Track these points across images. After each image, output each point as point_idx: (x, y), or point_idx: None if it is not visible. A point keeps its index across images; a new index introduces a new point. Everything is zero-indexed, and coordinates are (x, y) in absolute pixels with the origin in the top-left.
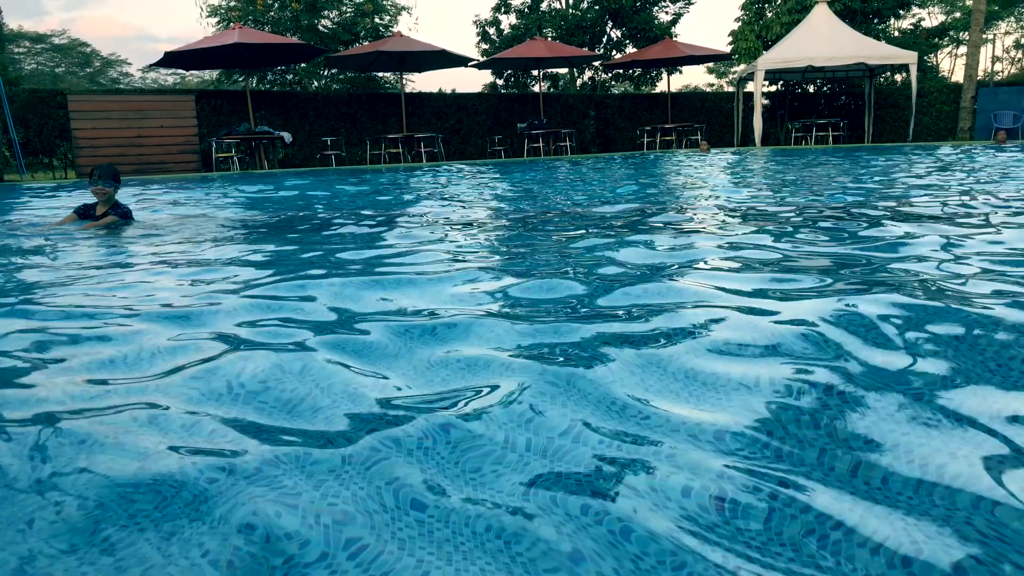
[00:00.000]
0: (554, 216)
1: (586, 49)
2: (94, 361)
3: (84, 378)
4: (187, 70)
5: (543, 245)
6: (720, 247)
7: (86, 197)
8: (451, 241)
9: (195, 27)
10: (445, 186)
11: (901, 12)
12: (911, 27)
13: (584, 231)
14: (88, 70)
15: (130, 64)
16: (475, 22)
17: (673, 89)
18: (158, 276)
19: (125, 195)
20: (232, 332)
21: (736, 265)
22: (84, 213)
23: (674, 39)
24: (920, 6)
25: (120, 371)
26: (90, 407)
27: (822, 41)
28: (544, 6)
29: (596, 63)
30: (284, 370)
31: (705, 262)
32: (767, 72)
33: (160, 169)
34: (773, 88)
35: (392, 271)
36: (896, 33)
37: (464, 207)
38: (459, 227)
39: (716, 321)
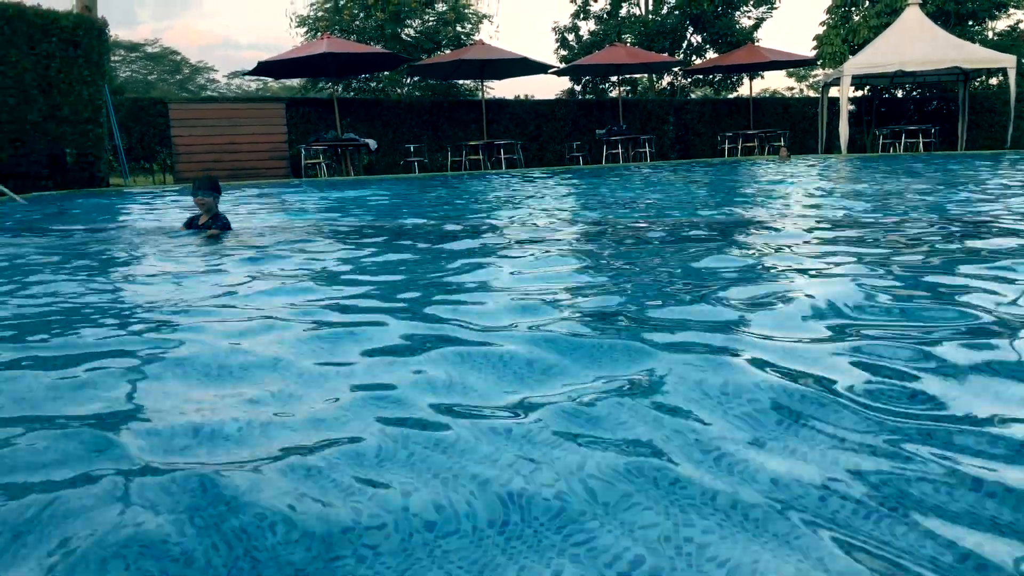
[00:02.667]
0: (636, 225)
1: (666, 55)
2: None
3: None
4: (277, 78)
5: (626, 256)
6: (816, 263)
7: (185, 201)
8: (536, 249)
9: (276, 35)
10: (526, 193)
11: (997, 13)
12: (1008, 29)
13: (665, 241)
14: (178, 77)
15: (216, 71)
16: (554, 28)
17: (754, 94)
18: (254, 284)
19: (225, 199)
20: (324, 333)
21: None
22: (190, 224)
23: (756, 44)
24: (1017, 7)
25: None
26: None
27: (913, 44)
28: (623, 12)
29: (676, 68)
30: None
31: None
32: (853, 77)
33: (253, 175)
34: (859, 93)
35: (473, 285)
36: (992, 35)
37: (546, 215)
38: (542, 235)
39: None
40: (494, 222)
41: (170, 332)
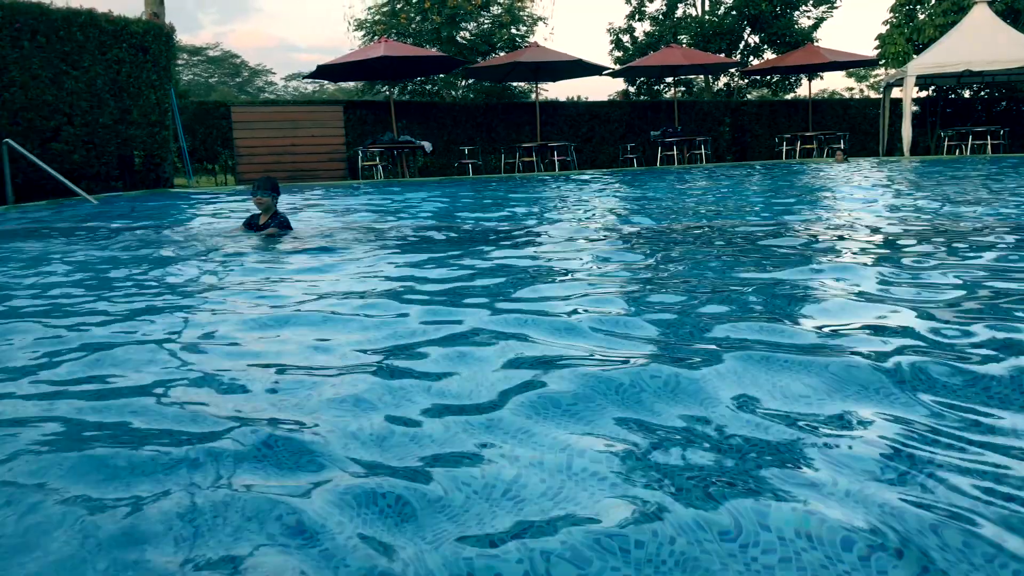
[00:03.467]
0: (687, 229)
1: (723, 56)
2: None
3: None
4: (336, 82)
5: (680, 263)
6: (876, 270)
7: (246, 203)
8: (590, 252)
9: (331, 38)
10: (579, 195)
11: None
12: None
13: (718, 248)
14: (238, 80)
15: (274, 73)
16: (609, 30)
17: (813, 95)
18: (311, 282)
19: (282, 200)
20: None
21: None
22: (249, 224)
23: (816, 44)
24: None
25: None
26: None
27: (982, 43)
28: (679, 13)
29: (732, 69)
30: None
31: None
32: (918, 77)
33: (311, 176)
34: (923, 94)
35: (530, 290)
36: None
37: (599, 218)
38: (595, 239)
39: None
40: (550, 224)
41: (223, 326)
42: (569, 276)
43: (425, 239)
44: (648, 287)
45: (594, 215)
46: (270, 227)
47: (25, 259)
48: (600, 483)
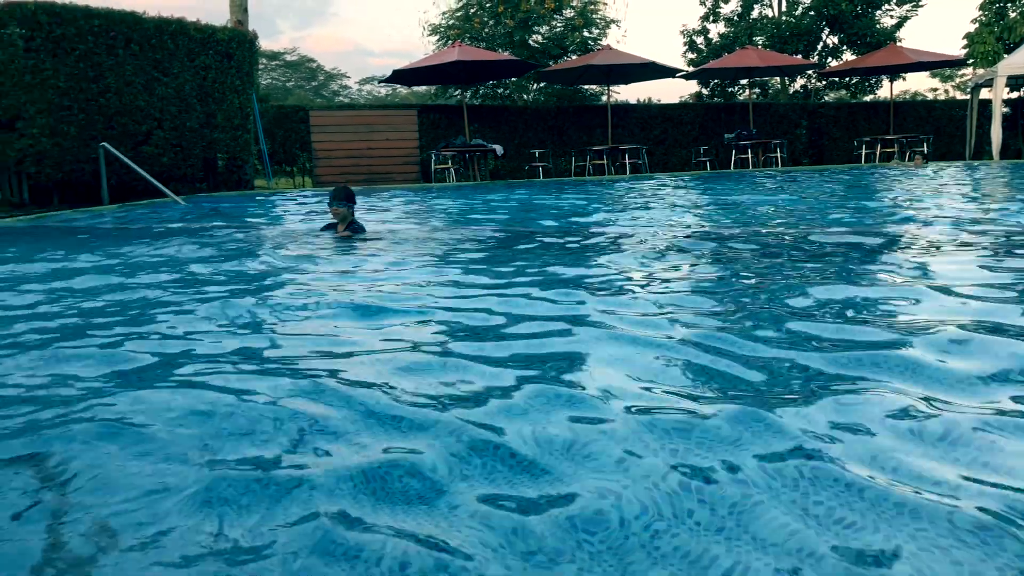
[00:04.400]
0: (760, 234)
1: (800, 57)
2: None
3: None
4: (410, 86)
5: (759, 273)
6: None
7: (322, 204)
8: (659, 258)
9: (405, 42)
10: (652, 198)
11: None
12: None
13: (790, 257)
14: (313, 84)
15: (348, 77)
16: (682, 32)
17: (894, 96)
18: (382, 281)
19: (359, 203)
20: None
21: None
22: (327, 228)
23: (899, 44)
24: None
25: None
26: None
27: None
28: (755, 14)
29: (810, 71)
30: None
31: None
32: (1009, 77)
33: (385, 179)
34: (1015, 95)
35: (603, 296)
36: None
37: (670, 222)
38: (668, 244)
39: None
40: (622, 228)
41: (300, 322)
42: (641, 283)
43: (494, 243)
44: (725, 299)
45: (668, 219)
46: (347, 232)
47: (126, 259)
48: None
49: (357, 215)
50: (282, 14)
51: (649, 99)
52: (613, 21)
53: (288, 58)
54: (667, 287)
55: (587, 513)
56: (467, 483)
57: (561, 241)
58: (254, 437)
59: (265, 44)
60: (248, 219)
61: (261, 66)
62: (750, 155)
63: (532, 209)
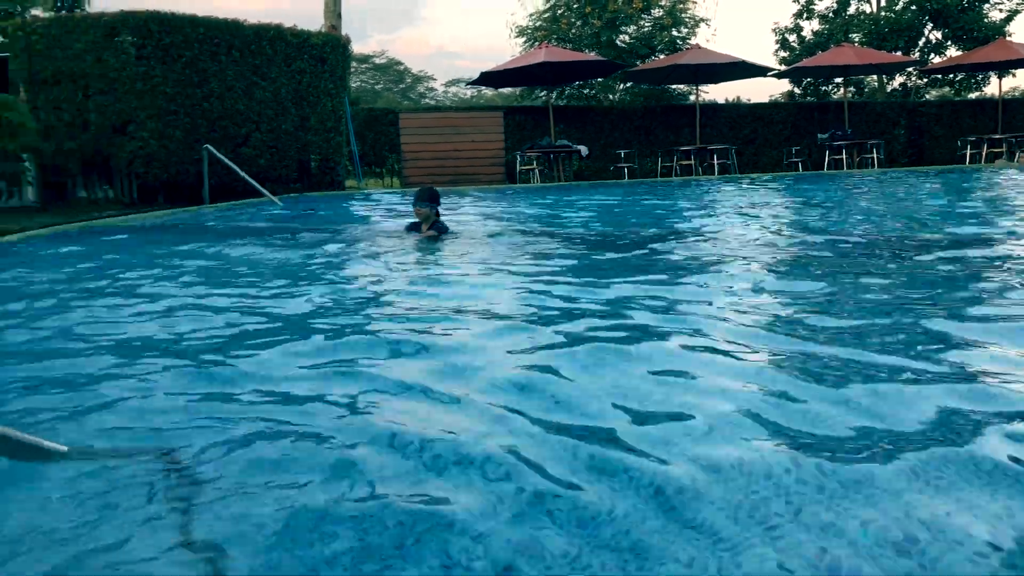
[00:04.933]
0: (855, 240)
1: (900, 54)
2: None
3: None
4: (497, 88)
5: (858, 279)
6: None
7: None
8: (753, 266)
9: (491, 45)
10: (741, 201)
11: None
12: None
13: (897, 264)
14: (401, 86)
15: (435, 80)
16: (774, 29)
17: (1003, 93)
18: (464, 282)
19: (445, 203)
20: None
21: None
22: (411, 227)
23: (1008, 38)
24: None
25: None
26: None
27: None
28: (852, 9)
29: (910, 68)
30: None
31: None
32: None
33: (471, 180)
34: None
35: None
36: None
37: (762, 226)
38: (759, 250)
39: None
40: (708, 232)
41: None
42: (732, 292)
43: (576, 245)
44: (818, 311)
45: (759, 223)
46: (431, 231)
47: (228, 254)
48: None
49: (442, 216)
50: (372, 18)
51: (738, 98)
52: (703, 20)
53: (377, 61)
54: (756, 297)
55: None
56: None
57: (654, 245)
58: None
59: (355, 47)
60: (338, 219)
61: (351, 69)
62: (844, 156)
63: (619, 211)
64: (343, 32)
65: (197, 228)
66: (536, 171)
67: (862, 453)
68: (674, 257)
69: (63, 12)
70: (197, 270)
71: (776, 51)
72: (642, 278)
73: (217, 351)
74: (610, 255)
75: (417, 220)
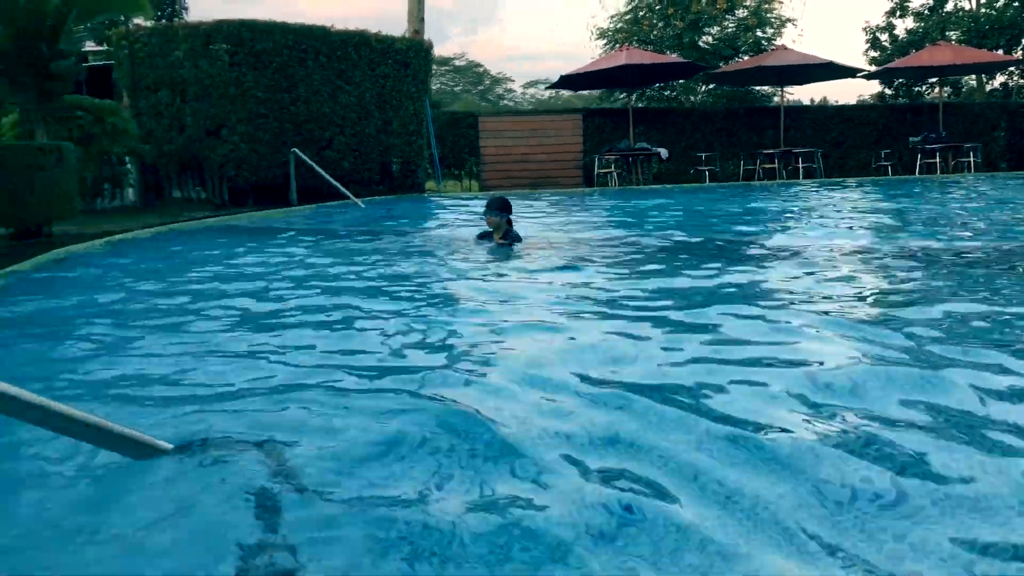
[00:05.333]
0: (954, 253)
1: (1001, 52)
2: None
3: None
4: (576, 90)
5: (944, 290)
6: None
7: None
8: (842, 279)
9: (569, 44)
10: (829, 207)
11: None
12: None
13: (998, 280)
14: (479, 88)
15: (513, 81)
16: (865, 28)
17: None
18: (533, 292)
19: (522, 207)
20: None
21: None
22: (483, 236)
23: None
24: None
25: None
26: None
27: None
28: (949, 7)
29: (1012, 67)
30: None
31: None
32: None
33: (549, 183)
34: None
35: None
36: None
37: (850, 234)
38: (848, 261)
39: None
40: (791, 242)
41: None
42: (815, 310)
43: (651, 253)
44: (912, 326)
45: (848, 231)
46: (502, 241)
47: (320, 255)
48: None
49: (518, 221)
50: (452, 19)
51: (824, 99)
52: (789, 20)
53: (457, 63)
54: (845, 314)
55: None
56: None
57: (738, 254)
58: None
59: (435, 50)
60: (416, 223)
61: (432, 72)
62: (938, 159)
63: (699, 216)
64: (426, 36)
65: (280, 231)
66: (614, 174)
67: None
68: (757, 272)
69: (162, 21)
70: (270, 274)
71: (867, 50)
72: (726, 292)
73: (311, 349)
74: (688, 266)
75: (487, 231)
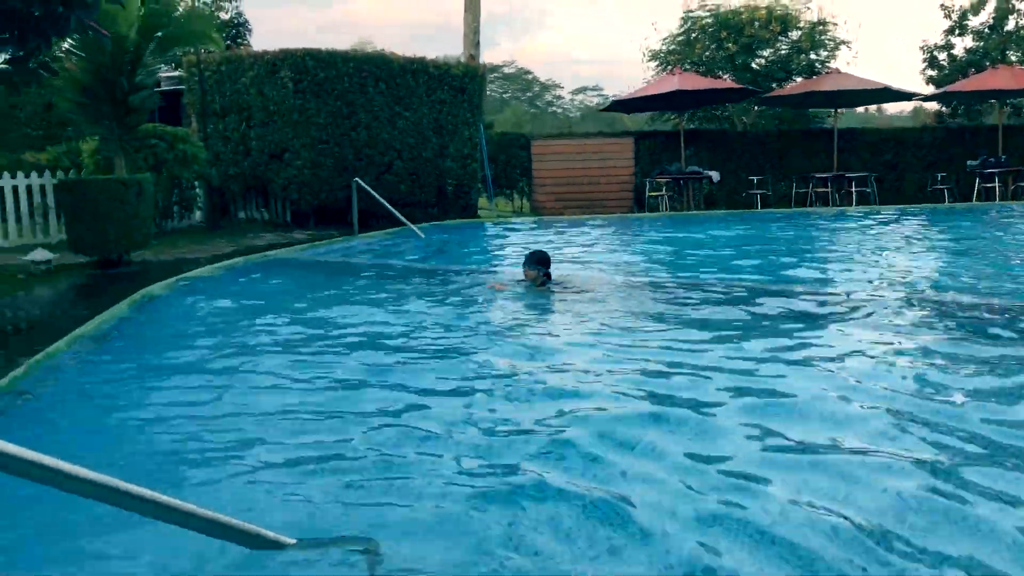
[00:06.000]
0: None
1: None
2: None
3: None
4: (628, 113)
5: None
6: None
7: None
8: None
9: (617, 51)
10: (883, 239)
11: None
12: None
13: None
14: (528, 95)
15: (562, 87)
16: (922, 47)
17: None
18: (565, 336)
19: (569, 233)
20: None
21: None
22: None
23: None
24: None
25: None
26: None
27: None
28: (1010, 25)
29: None
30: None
31: None
32: None
33: (599, 207)
34: None
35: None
36: None
37: (905, 276)
38: (897, 307)
39: None
40: (842, 280)
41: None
42: (865, 360)
43: (697, 298)
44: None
45: (901, 272)
46: (540, 282)
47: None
48: None
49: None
50: (500, 26)
51: (880, 109)
52: (843, 42)
53: (506, 71)
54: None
55: None
56: None
57: (786, 298)
58: None
59: (484, 56)
60: (468, 258)
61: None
62: (997, 184)
63: (749, 248)
64: (481, 61)
65: (344, 267)
66: (665, 197)
67: None
68: (820, 315)
69: (227, 41)
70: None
71: (924, 69)
72: (769, 342)
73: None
74: (735, 311)
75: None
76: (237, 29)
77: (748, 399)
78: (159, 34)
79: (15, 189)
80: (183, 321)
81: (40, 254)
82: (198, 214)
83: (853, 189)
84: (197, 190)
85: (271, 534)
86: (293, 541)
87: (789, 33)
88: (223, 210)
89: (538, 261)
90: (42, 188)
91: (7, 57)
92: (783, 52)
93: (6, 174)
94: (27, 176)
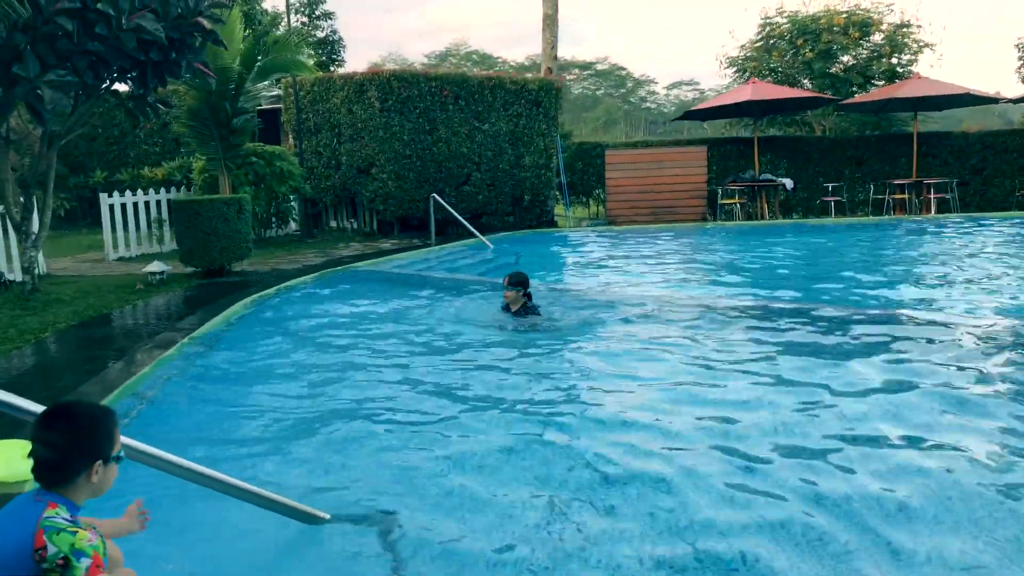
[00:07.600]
0: None
1: None
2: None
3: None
4: (703, 120)
5: None
6: None
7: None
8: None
9: (701, 43)
10: (965, 254)
11: None
12: None
13: None
14: (622, 91)
15: (656, 83)
16: (1017, 45)
17: None
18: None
19: (634, 241)
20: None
21: None
22: (506, 308)
23: None
24: None
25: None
26: None
27: None
28: None
29: None
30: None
31: None
32: None
33: (671, 215)
34: None
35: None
36: None
37: (989, 297)
38: (982, 335)
39: None
40: (920, 302)
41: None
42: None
43: (755, 323)
44: None
45: (984, 292)
46: (520, 313)
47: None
48: None
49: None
50: (590, 18)
51: (963, 122)
52: (927, 45)
53: (599, 67)
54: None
55: None
56: None
57: (833, 319)
58: None
59: (573, 53)
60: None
61: (573, 76)
62: None
63: (811, 262)
64: (557, 74)
65: (418, 281)
66: (738, 205)
67: None
68: (872, 335)
69: (322, 57)
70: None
71: (1019, 67)
72: (823, 368)
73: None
74: (800, 337)
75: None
76: (332, 46)
77: None
78: (259, 63)
79: (135, 205)
80: (279, 328)
81: (156, 266)
82: (293, 224)
83: (932, 196)
84: (292, 203)
85: (311, 509)
86: (328, 516)
87: (870, 37)
88: (315, 219)
89: (517, 282)
90: (158, 203)
91: (129, 93)
92: (863, 56)
93: (128, 192)
94: (146, 193)
